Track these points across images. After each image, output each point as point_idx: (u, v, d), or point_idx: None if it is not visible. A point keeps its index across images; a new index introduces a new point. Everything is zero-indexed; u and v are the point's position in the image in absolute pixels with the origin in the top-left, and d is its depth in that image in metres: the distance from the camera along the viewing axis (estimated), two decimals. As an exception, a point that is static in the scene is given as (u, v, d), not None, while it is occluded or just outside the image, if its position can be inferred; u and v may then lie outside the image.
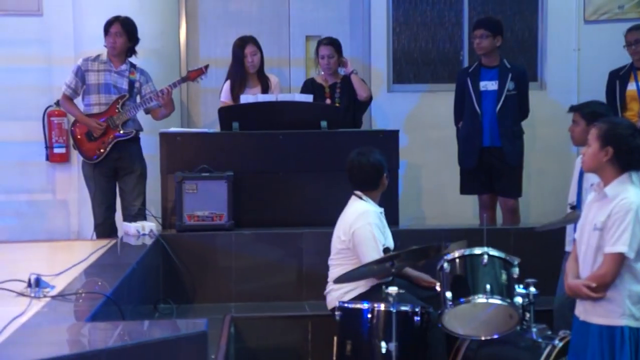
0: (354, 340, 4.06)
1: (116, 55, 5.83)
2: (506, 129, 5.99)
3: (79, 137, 5.83)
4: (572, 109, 4.60)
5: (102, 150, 5.75)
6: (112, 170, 5.83)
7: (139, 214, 5.61)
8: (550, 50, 7.46)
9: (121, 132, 5.76)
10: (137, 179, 5.83)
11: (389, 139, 5.65)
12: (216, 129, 5.92)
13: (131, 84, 5.83)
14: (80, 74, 5.84)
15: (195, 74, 5.88)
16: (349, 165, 4.56)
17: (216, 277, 5.29)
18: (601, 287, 3.38)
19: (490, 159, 6.03)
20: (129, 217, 5.53)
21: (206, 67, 5.90)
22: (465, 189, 6.26)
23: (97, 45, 6.47)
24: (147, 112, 5.94)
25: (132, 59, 5.95)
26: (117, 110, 5.76)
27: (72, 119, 6.37)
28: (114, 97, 5.79)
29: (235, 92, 6.11)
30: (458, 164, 6.29)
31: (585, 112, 4.42)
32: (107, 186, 5.83)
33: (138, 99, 5.85)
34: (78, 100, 5.96)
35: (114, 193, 5.89)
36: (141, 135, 5.93)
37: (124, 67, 5.85)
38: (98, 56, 5.87)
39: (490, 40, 5.97)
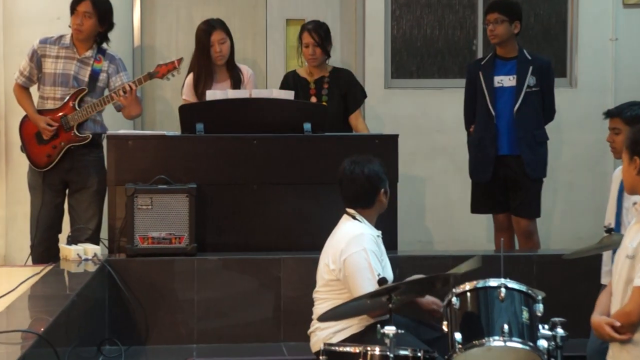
0: (342, 391, 4.04)
1: (82, 40, 5.82)
2: (526, 133, 6.01)
3: (27, 136, 5.82)
4: (610, 113, 4.60)
5: (52, 157, 5.74)
6: (62, 182, 5.83)
7: (91, 240, 5.57)
8: (582, 40, 7.52)
9: (74, 135, 5.73)
10: (92, 197, 5.80)
11: (387, 146, 5.66)
12: (176, 131, 5.92)
13: (94, 75, 5.81)
14: (37, 58, 5.82)
15: (165, 69, 5.82)
16: (340, 176, 4.55)
17: (175, 313, 5.29)
18: (627, 327, 3.38)
19: (507, 171, 6.05)
20: (71, 239, 5.48)
21: (179, 60, 5.87)
22: (477, 207, 6.28)
23: (30, 28, 6.49)
24: (118, 109, 5.93)
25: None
26: (73, 108, 5.73)
27: (1, 117, 6.36)
28: (73, 91, 5.77)
29: (199, 88, 6.12)
30: (469, 177, 6.29)
31: (627, 117, 4.42)
32: (54, 202, 5.83)
33: (106, 93, 5.83)
34: (35, 90, 5.93)
35: (60, 212, 5.89)
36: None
37: (89, 53, 5.84)
38: (60, 38, 5.85)
39: (506, 26, 5.99)
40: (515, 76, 6.02)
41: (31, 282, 4.59)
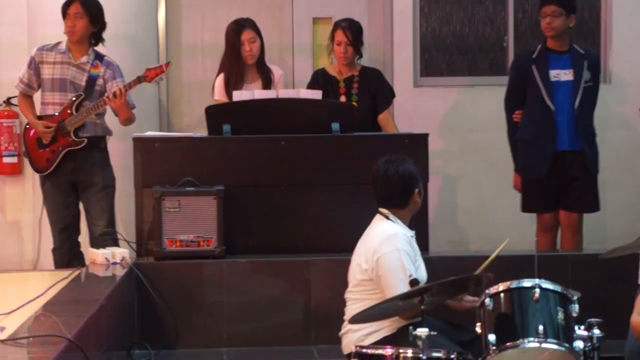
0: (374, 394, 4.06)
1: (76, 43, 5.88)
2: (586, 128, 5.98)
3: (29, 142, 5.93)
4: None
5: (50, 162, 5.82)
6: (68, 184, 5.90)
7: (105, 236, 5.64)
8: (618, 35, 7.46)
9: (71, 139, 5.80)
10: (99, 193, 5.87)
11: (417, 145, 5.66)
12: (203, 133, 5.95)
13: (91, 80, 5.87)
14: (34, 66, 5.91)
15: (153, 73, 5.82)
16: (374, 176, 4.55)
17: (204, 316, 5.31)
18: None
19: (566, 167, 6.00)
20: (94, 241, 5.56)
21: (167, 64, 5.90)
22: (529, 205, 6.20)
23: (55, 29, 6.52)
24: (115, 114, 5.97)
25: (100, 49, 5.99)
26: (70, 112, 5.80)
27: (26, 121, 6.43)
28: (71, 95, 5.84)
29: (230, 89, 6.12)
30: (518, 172, 6.24)
31: None
32: (63, 203, 5.90)
33: None
34: (38, 97, 6.02)
35: (72, 212, 5.95)
36: (114, 141, 5.97)
37: (85, 59, 5.90)
38: (57, 44, 5.94)
39: (563, 19, 5.95)
40: (571, 70, 5.98)
41: (60, 286, 4.62)
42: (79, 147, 5.80)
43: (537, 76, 5.99)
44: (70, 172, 5.85)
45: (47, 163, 5.84)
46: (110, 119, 6.04)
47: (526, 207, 6.23)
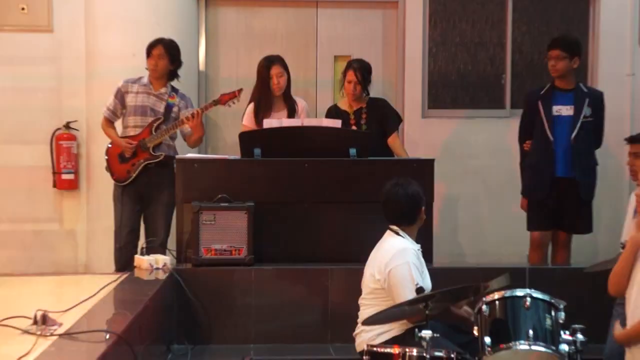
0: (383, 388, 4.05)
1: (157, 78, 6.07)
2: (581, 159, 5.97)
3: (111, 158, 6.06)
4: (633, 139, 4.57)
5: (131, 173, 5.97)
6: (139, 194, 6.04)
7: (158, 249, 5.66)
8: (602, 75, 7.49)
9: (149, 154, 5.95)
10: (163, 209, 6.01)
11: (424, 169, 5.65)
12: (237, 155, 5.96)
13: (169, 107, 6.05)
14: (120, 95, 6.08)
15: (227, 98, 6.03)
16: (385, 197, 4.56)
17: (234, 316, 5.31)
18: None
19: (562, 192, 5.98)
20: (145, 250, 5.59)
21: (239, 90, 6.05)
22: (534, 224, 6.15)
23: (109, 62, 6.64)
24: (184, 137, 6.16)
25: (175, 83, 6.19)
26: (150, 133, 5.95)
27: (82, 143, 6.54)
28: (150, 119, 5.98)
29: (259, 116, 6.17)
30: (523, 195, 6.23)
31: None
32: (133, 210, 6.04)
33: None
34: (118, 123, 6.18)
35: (138, 219, 6.08)
36: None
37: (163, 90, 6.09)
38: (140, 78, 6.11)
39: (567, 62, 5.95)
40: (572, 106, 5.95)
41: (110, 288, 4.64)
42: (156, 160, 5.95)
43: (541, 111, 5.99)
44: (144, 185, 6.00)
45: (127, 174, 5.99)
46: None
47: (531, 226, 6.18)
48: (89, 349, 3.39)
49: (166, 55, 6.03)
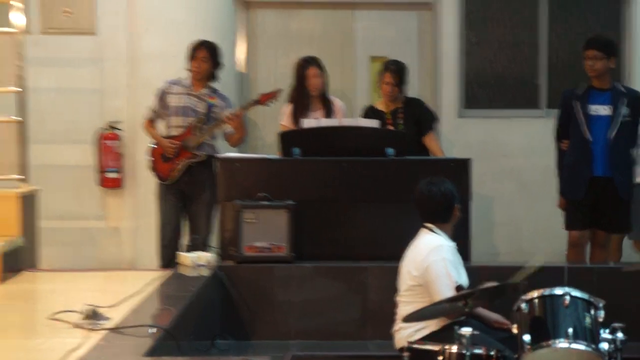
0: (423, 385, 4.05)
1: (198, 80, 6.11)
2: (619, 158, 5.91)
3: (155, 157, 6.11)
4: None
5: (173, 172, 6.01)
6: (181, 193, 6.07)
7: (201, 246, 5.70)
8: (638, 75, 7.40)
9: (192, 154, 5.98)
10: (204, 208, 6.03)
11: (460, 168, 5.63)
12: (276, 154, 5.99)
13: (209, 108, 6.08)
14: (162, 96, 6.15)
15: (266, 97, 6.08)
16: (419, 195, 4.56)
17: (275, 312, 5.33)
18: None
19: (599, 191, 5.92)
20: (189, 247, 5.65)
21: (278, 91, 6.11)
22: (571, 224, 6.07)
23: (152, 64, 6.69)
24: (225, 137, 6.19)
25: (214, 84, 6.21)
26: (192, 133, 5.97)
27: (126, 143, 6.59)
28: (191, 119, 6.02)
29: (296, 116, 6.20)
30: (561, 195, 6.17)
31: None
32: (175, 208, 6.08)
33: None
34: (161, 123, 6.22)
35: (181, 216, 6.12)
36: None
37: (204, 91, 6.12)
38: (180, 79, 6.16)
39: (604, 62, 5.89)
40: (610, 106, 5.88)
41: (156, 284, 4.69)
42: (198, 160, 5.99)
43: (579, 110, 5.94)
44: (186, 183, 6.03)
45: (170, 173, 6.02)
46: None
47: (569, 225, 6.10)
48: (137, 343, 3.44)
49: (209, 58, 6.08)
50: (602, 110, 5.92)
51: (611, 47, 6.01)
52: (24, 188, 5.41)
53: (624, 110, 5.89)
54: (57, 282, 5.13)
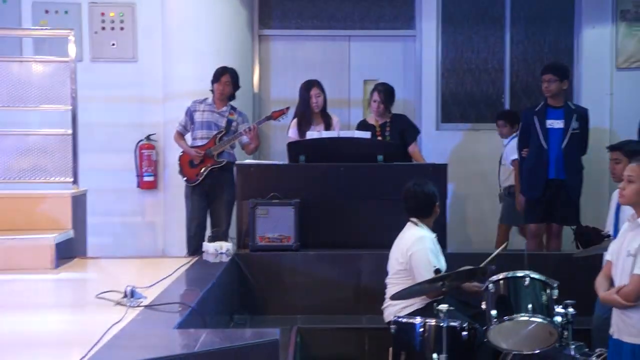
0: (407, 351, 4.03)
1: (220, 99, 6.08)
2: (570, 163, 5.89)
3: (183, 163, 6.08)
4: (613, 147, 4.50)
5: (199, 176, 5.97)
6: (205, 193, 6.03)
7: (222, 237, 5.66)
8: (585, 94, 7.37)
9: (214, 160, 5.95)
10: (224, 205, 6.00)
11: (438, 172, 5.60)
12: (285, 161, 5.97)
13: (229, 122, 6.05)
14: (190, 113, 6.11)
15: (277, 114, 6.07)
16: (406, 194, 4.55)
17: (284, 292, 5.31)
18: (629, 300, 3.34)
19: (554, 190, 5.89)
20: (212, 238, 5.62)
21: (287, 108, 6.10)
22: (530, 218, 6.06)
23: (182, 86, 6.70)
24: (242, 147, 6.16)
25: (232, 102, 6.18)
26: (214, 143, 5.95)
27: (160, 151, 6.55)
28: (214, 132, 5.99)
29: (301, 129, 6.16)
30: (521, 193, 6.14)
31: (627, 150, 4.33)
32: (200, 206, 6.03)
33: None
34: (188, 135, 6.20)
35: (205, 213, 6.07)
36: None
37: (225, 108, 6.09)
38: (205, 99, 6.13)
39: (558, 84, 5.86)
40: (563, 120, 5.86)
41: (184, 269, 4.67)
42: (219, 165, 5.96)
43: (537, 124, 5.92)
44: (209, 185, 5.99)
45: (196, 177, 5.98)
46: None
47: (528, 219, 6.10)
48: (169, 317, 3.43)
49: (231, 82, 6.06)
50: (556, 124, 5.90)
51: (564, 72, 5.99)
52: (75, 189, 5.40)
53: (574, 124, 5.87)
54: (102, 267, 5.13)
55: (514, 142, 6.35)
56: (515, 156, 6.26)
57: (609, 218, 4.40)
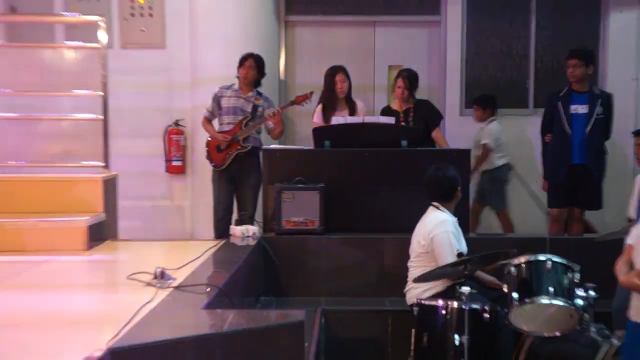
0: (430, 333, 4.07)
1: (246, 85, 6.11)
2: (593, 148, 5.86)
3: (210, 148, 6.13)
4: (638, 133, 4.47)
5: (225, 160, 6.03)
6: (232, 177, 6.09)
7: (248, 221, 5.71)
8: (611, 79, 7.30)
9: (241, 145, 5.99)
10: (250, 190, 6.05)
11: (461, 157, 5.58)
12: (310, 146, 5.99)
13: (255, 108, 6.09)
14: (217, 99, 6.15)
15: (301, 99, 6.06)
16: (428, 179, 4.56)
17: (308, 275, 5.33)
18: None
19: (577, 175, 5.88)
20: (238, 221, 5.68)
21: (311, 93, 6.09)
22: (554, 203, 6.06)
23: (209, 72, 6.72)
24: (268, 132, 6.19)
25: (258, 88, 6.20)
26: (240, 128, 6.00)
27: (188, 137, 6.61)
28: (240, 117, 6.03)
29: (326, 115, 6.19)
30: (544, 179, 6.13)
31: None
32: (227, 189, 6.10)
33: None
34: (215, 121, 6.25)
35: (231, 197, 6.13)
36: None
37: (250, 94, 6.12)
38: (231, 85, 6.16)
39: (583, 69, 5.84)
40: (587, 106, 5.83)
41: (211, 251, 4.68)
42: (245, 150, 6.00)
43: (561, 109, 5.88)
44: (236, 170, 6.04)
45: (222, 161, 6.04)
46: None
47: (551, 204, 6.09)
48: (197, 298, 3.46)
49: (255, 66, 6.08)
50: (580, 109, 5.87)
51: (589, 56, 5.94)
52: (106, 173, 5.46)
53: (599, 109, 5.83)
54: (133, 249, 5.15)
55: (490, 126, 6.30)
56: (486, 140, 6.36)
57: (631, 202, 4.39)
